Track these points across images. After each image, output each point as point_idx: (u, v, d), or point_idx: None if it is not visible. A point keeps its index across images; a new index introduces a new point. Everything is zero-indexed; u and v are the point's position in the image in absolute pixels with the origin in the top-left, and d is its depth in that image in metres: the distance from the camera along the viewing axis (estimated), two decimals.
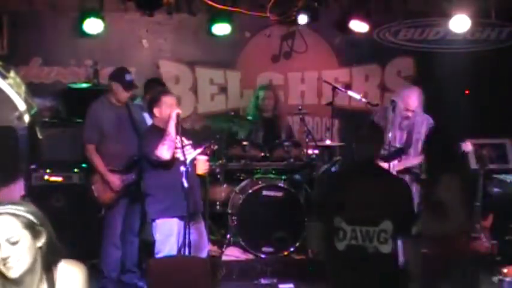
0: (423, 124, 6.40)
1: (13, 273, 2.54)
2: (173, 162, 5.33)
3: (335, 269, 4.05)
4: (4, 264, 2.53)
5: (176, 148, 5.33)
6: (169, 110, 5.46)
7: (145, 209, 5.68)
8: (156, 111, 5.52)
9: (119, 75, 6.11)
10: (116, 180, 5.94)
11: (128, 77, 6.07)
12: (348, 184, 4.05)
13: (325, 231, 4.06)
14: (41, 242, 2.63)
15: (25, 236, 2.57)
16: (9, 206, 2.60)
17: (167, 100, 5.53)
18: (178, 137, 5.32)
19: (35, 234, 2.61)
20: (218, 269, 6.31)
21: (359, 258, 3.92)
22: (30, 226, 2.60)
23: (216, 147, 6.74)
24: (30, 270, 2.59)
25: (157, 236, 5.45)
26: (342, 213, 3.95)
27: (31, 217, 2.62)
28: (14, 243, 2.54)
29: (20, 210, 2.61)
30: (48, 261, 2.63)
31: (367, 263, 3.92)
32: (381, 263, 3.91)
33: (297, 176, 7.30)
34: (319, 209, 4.18)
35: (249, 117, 7.43)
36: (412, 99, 6.42)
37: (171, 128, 5.34)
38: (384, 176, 4.14)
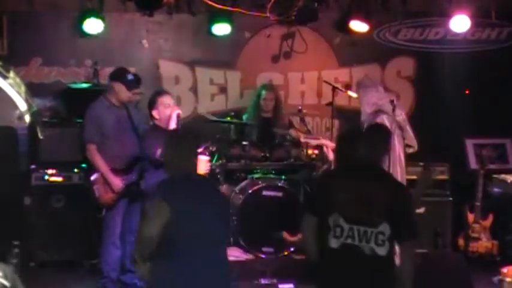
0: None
1: None
2: None
3: (327, 267, 4.03)
4: None
5: None
6: (168, 110, 5.46)
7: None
8: (154, 113, 5.53)
9: (120, 75, 6.10)
10: (117, 181, 5.93)
11: (129, 77, 6.08)
12: (348, 182, 4.04)
13: (319, 227, 4.03)
14: None
15: None
16: None
17: (164, 100, 5.54)
18: None
19: None
20: None
21: (354, 258, 3.91)
22: None
23: (214, 149, 6.76)
24: None
25: None
26: (341, 210, 3.94)
27: (5, 282, 2.72)
28: None
29: None
30: None
31: (362, 264, 3.90)
32: (377, 264, 3.89)
33: (297, 176, 7.31)
34: (317, 203, 4.15)
35: (244, 117, 7.46)
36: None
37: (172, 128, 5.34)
38: (385, 179, 4.13)
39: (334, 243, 3.93)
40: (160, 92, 5.78)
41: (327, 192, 4.06)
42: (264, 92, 7.49)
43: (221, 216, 4.02)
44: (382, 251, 3.86)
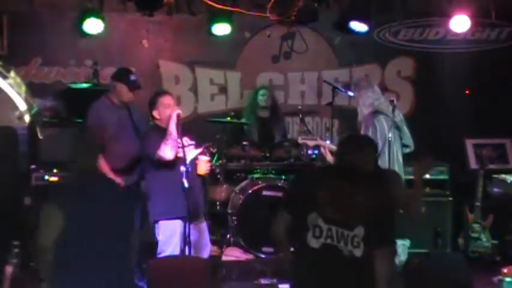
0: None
1: None
2: (175, 162, 5.33)
3: (306, 267, 4.02)
4: None
5: (178, 148, 5.34)
6: (168, 111, 5.47)
7: (146, 210, 5.67)
8: (155, 113, 5.53)
9: (123, 75, 6.10)
10: (119, 180, 5.92)
11: (132, 78, 6.07)
12: (330, 182, 4.02)
13: (296, 227, 4.01)
14: None
15: None
16: None
17: (164, 100, 5.54)
18: (179, 137, 5.33)
19: None
20: (218, 269, 6.31)
21: (334, 258, 3.90)
22: None
23: (215, 150, 6.76)
24: None
25: (160, 237, 5.45)
26: (320, 210, 3.91)
27: None
28: None
29: None
30: None
31: (341, 265, 3.90)
32: (355, 266, 3.89)
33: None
34: (295, 202, 4.11)
35: (243, 119, 7.47)
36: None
37: (173, 128, 5.34)
38: (369, 182, 4.10)
39: (314, 243, 3.91)
40: (160, 93, 5.78)
41: (306, 191, 4.03)
42: (260, 91, 7.56)
43: (121, 218, 3.87)
44: (358, 253, 3.85)
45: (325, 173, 4.20)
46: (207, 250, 5.65)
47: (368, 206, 3.89)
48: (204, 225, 5.69)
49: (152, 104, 5.56)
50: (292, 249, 4.21)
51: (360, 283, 3.90)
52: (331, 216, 3.88)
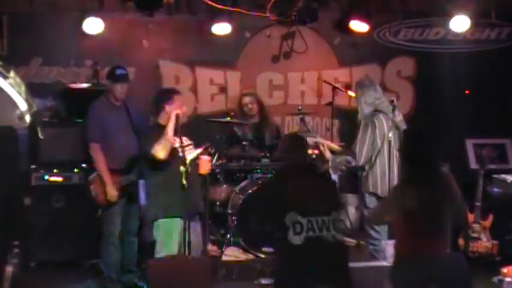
0: None
1: None
2: (171, 161, 5.33)
3: (292, 264, 4.07)
4: None
5: (175, 148, 5.34)
6: (175, 110, 5.48)
7: (144, 210, 5.67)
8: (167, 107, 5.52)
9: (110, 72, 6.20)
10: (114, 192, 5.92)
11: (118, 71, 6.11)
12: (294, 181, 4.17)
13: (277, 229, 4.14)
14: None
15: None
16: None
17: (179, 100, 5.57)
18: (177, 138, 5.33)
19: None
20: (218, 269, 6.31)
21: (320, 248, 4.00)
22: None
23: (213, 150, 6.76)
24: None
25: (158, 237, 5.46)
26: (296, 207, 4.04)
27: None
28: None
29: None
30: None
31: (328, 252, 4.02)
32: (339, 250, 4.06)
33: None
34: (273, 207, 4.25)
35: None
36: None
37: (170, 128, 5.35)
38: (318, 174, 4.57)
39: (296, 240, 3.99)
40: (178, 91, 5.79)
41: (278, 197, 4.15)
42: (245, 99, 7.54)
43: None
44: (340, 236, 4.04)
45: (285, 174, 4.37)
46: (199, 251, 5.67)
47: (333, 195, 4.38)
48: (199, 227, 5.70)
49: (168, 98, 5.55)
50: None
51: (344, 265, 4.05)
52: (307, 209, 4.00)
